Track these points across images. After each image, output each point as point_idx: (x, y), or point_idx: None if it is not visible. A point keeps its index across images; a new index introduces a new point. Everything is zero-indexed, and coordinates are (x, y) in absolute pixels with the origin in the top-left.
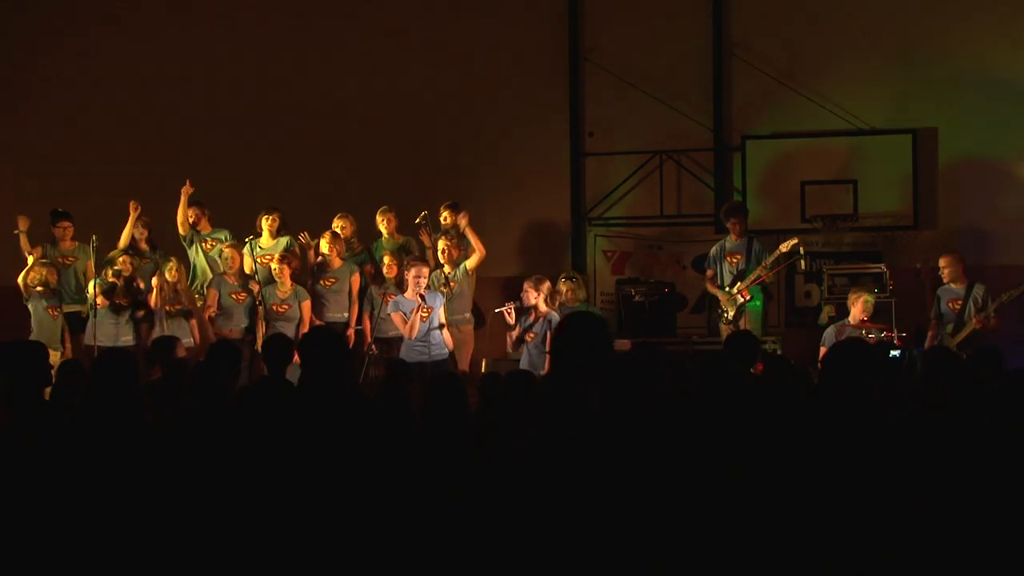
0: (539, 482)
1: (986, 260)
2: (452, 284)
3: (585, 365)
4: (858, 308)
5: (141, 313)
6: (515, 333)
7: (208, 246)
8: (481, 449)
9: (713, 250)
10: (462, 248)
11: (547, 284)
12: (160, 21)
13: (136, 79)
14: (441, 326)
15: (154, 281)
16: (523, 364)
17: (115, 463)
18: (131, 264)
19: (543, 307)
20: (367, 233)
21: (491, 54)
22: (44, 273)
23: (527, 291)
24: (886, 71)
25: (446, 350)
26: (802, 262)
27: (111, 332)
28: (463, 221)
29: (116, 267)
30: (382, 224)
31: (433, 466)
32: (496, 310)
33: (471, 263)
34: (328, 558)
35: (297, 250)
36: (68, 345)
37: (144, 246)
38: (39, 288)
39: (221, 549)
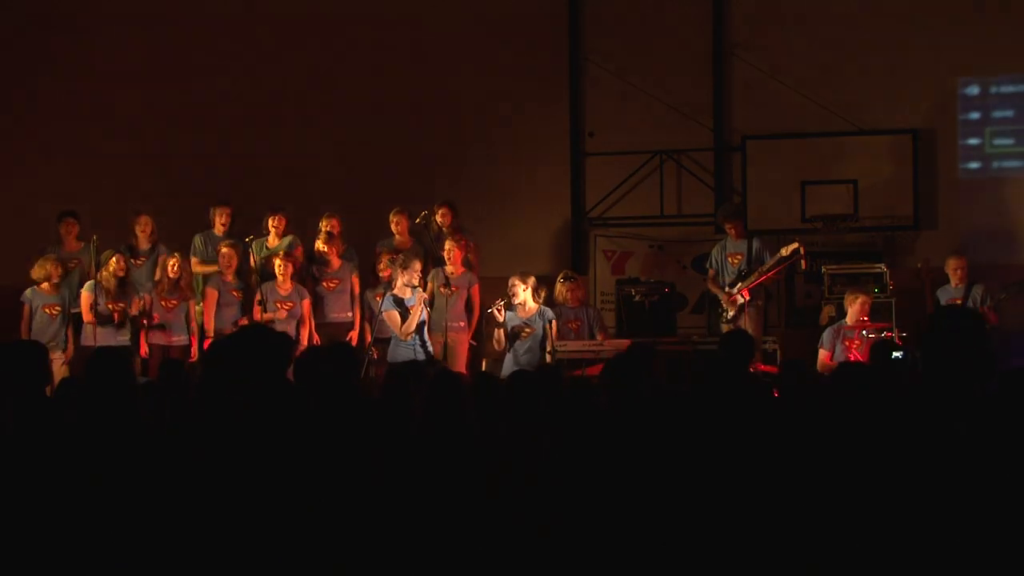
0: (540, 482)
1: (986, 260)
2: (453, 288)
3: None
4: (855, 308)
5: (134, 311)
6: (502, 331)
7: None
8: (482, 450)
9: (715, 250)
10: (466, 247)
11: (532, 279)
12: (163, 22)
13: (137, 79)
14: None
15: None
16: (510, 362)
17: (110, 462)
18: (124, 264)
19: (532, 303)
20: (363, 233)
21: (491, 54)
22: (48, 268)
23: (514, 286)
24: (886, 71)
25: (424, 353)
26: (802, 262)
27: (110, 332)
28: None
29: (106, 279)
30: (394, 225)
31: (434, 467)
32: (488, 310)
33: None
34: (327, 558)
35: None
36: (71, 346)
37: (144, 245)
38: (44, 285)
39: (218, 549)
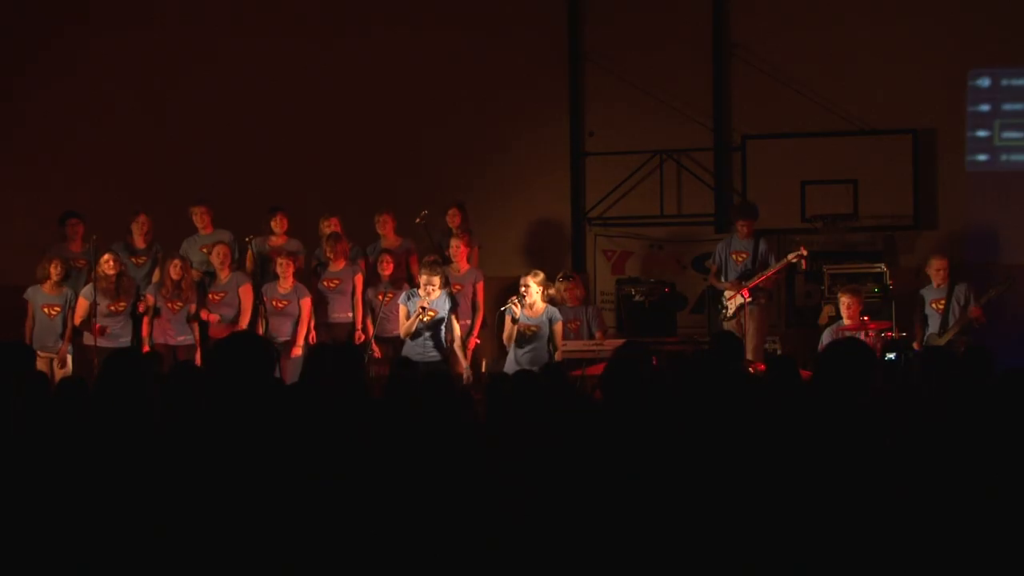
0: (539, 482)
1: (985, 260)
2: (457, 287)
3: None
4: (842, 308)
5: (141, 309)
6: (516, 328)
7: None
8: (482, 449)
9: (719, 246)
10: (472, 246)
11: (541, 276)
12: (164, 22)
13: (138, 78)
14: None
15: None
16: (511, 361)
17: (121, 464)
18: (118, 263)
19: (541, 302)
20: (363, 233)
21: (491, 54)
22: (47, 267)
23: (527, 286)
24: (886, 71)
25: (437, 354)
26: (802, 262)
27: (112, 333)
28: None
29: (103, 279)
30: (379, 226)
31: (432, 464)
32: (502, 308)
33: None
34: (329, 559)
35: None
36: (66, 345)
37: (142, 244)
38: (45, 284)
39: (222, 549)
